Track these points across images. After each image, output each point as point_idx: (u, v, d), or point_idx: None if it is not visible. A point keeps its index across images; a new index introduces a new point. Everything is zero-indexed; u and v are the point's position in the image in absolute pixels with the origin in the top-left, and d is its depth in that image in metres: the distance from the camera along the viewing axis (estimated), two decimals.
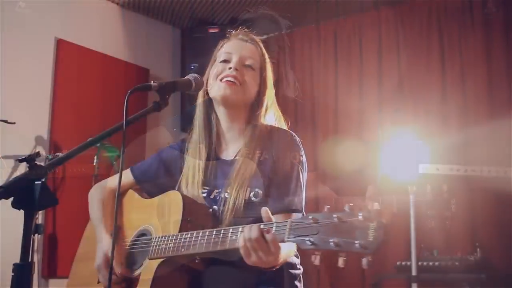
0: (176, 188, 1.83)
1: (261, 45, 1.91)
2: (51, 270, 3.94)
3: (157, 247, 1.66)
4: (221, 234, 1.49)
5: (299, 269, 1.82)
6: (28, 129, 3.90)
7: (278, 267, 1.50)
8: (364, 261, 1.14)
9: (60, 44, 4.21)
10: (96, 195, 1.98)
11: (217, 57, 1.88)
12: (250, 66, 1.83)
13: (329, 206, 1.19)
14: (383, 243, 1.11)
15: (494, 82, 4.07)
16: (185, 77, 1.75)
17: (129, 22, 4.77)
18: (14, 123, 3.64)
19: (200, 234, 1.54)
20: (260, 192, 1.70)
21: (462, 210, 3.96)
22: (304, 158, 1.78)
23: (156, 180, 1.89)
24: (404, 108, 4.30)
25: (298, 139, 1.82)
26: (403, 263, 3.73)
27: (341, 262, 1.24)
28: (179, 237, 1.60)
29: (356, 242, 1.12)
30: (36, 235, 3.54)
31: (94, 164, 3.96)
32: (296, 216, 1.62)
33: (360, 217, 1.13)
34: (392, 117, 4.11)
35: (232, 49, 1.85)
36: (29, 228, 1.27)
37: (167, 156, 1.95)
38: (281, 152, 1.75)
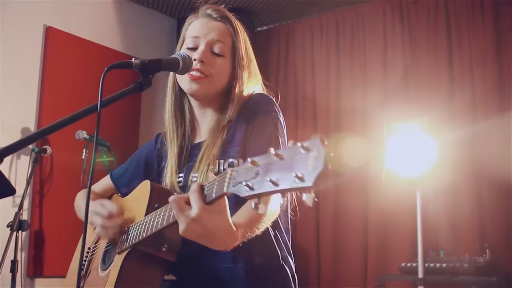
0: (162, 182, 1.71)
1: (233, 21, 1.70)
2: (37, 269, 3.76)
3: (124, 238, 1.55)
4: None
5: (291, 268, 1.65)
6: (14, 121, 3.72)
7: (235, 244, 1.28)
8: (307, 197, 0.94)
9: (49, 32, 4.01)
10: (81, 198, 1.91)
11: (185, 37, 1.70)
12: (219, 53, 1.64)
13: (273, 148, 1.00)
14: (325, 173, 0.90)
15: (504, 76, 3.89)
16: (172, 56, 1.60)
17: (123, 11, 4.59)
18: None
19: (158, 211, 1.41)
20: (236, 161, 1.55)
21: (470, 209, 3.80)
22: (278, 114, 1.62)
23: (133, 182, 1.77)
24: (410, 102, 4.13)
25: (270, 97, 1.67)
26: (408, 264, 3.58)
27: (262, 209, 1.04)
28: (141, 222, 1.47)
29: (293, 174, 0.93)
30: (20, 231, 3.39)
31: (83, 158, 3.78)
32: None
33: (300, 149, 0.93)
34: (398, 112, 3.94)
35: (200, 33, 1.65)
36: None
37: (142, 155, 1.85)
38: (253, 114, 1.60)
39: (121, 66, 1.45)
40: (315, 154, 0.92)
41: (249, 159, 1.04)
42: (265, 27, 5.16)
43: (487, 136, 3.76)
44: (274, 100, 1.65)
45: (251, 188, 1.02)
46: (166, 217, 1.34)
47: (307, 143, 0.94)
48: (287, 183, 0.95)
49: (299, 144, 0.95)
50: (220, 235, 1.24)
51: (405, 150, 3.36)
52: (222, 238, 1.25)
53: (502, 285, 3.23)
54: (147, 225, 1.43)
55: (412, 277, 3.37)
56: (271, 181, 0.97)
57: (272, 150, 0.99)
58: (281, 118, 1.62)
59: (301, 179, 0.92)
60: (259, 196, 1.02)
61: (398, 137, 3.41)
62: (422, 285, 3.17)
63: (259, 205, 1.04)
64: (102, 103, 1.39)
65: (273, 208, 1.41)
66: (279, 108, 1.64)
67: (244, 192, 1.03)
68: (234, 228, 1.26)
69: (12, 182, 3.64)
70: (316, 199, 0.94)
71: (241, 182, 1.04)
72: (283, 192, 0.98)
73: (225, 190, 1.11)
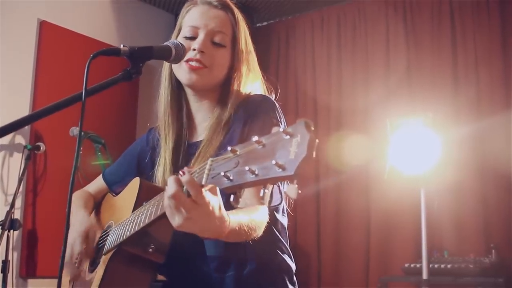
0: (153, 178, 1.62)
1: (234, 9, 1.62)
2: (30, 270, 3.67)
3: (111, 238, 1.47)
4: (157, 203, 1.25)
5: (291, 270, 1.56)
6: (7, 117, 3.60)
7: (226, 233, 1.16)
8: (290, 188, 0.85)
9: (44, 26, 3.92)
10: (75, 201, 1.79)
11: (182, 26, 1.60)
12: (220, 44, 1.56)
13: (257, 136, 0.92)
14: (308, 161, 0.82)
15: (509, 73, 3.81)
16: (164, 43, 1.50)
17: (119, 5, 4.50)
18: None
19: (142, 208, 1.33)
20: None
21: (475, 207, 3.71)
22: (280, 121, 1.52)
23: (126, 180, 1.67)
24: (413, 98, 4.04)
25: (273, 100, 1.58)
26: (412, 265, 3.49)
27: (242, 203, 0.97)
28: (127, 220, 1.40)
29: (273, 162, 0.84)
30: (11, 231, 3.30)
31: None
32: None
33: (282, 135, 0.86)
34: (401, 108, 3.85)
35: (199, 22, 1.56)
36: None
37: (135, 151, 1.76)
38: (252, 115, 1.51)
39: (108, 53, 1.37)
40: (298, 140, 0.84)
41: (229, 148, 0.95)
42: (264, 23, 5.06)
43: (492, 133, 3.68)
44: (277, 105, 1.56)
45: (230, 180, 0.93)
46: (149, 214, 1.26)
47: (290, 128, 0.86)
48: (267, 173, 0.86)
49: (281, 129, 0.86)
50: (212, 219, 1.11)
51: (408, 147, 3.26)
52: (213, 222, 1.12)
53: (509, 286, 3.15)
54: (131, 223, 1.35)
55: (416, 278, 3.28)
56: (250, 170, 0.89)
57: (254, 137, 0.90)
58: (283, 126, 1.52)
59: (282, 167, 0.84)
60: (239, 187, 0.94)
61: (401, 133, 3.31)
62: (427, 287, 3.07)
63: (240, 199, 0.96)
64: (87, 92, 1.30)
65: (262, 216, 1.33)
66: (281, 115, 1.55)
67: (223, 183, 0.95)
68: (227, 217, 1.15)
69: (4, 180, 3.56)
70: (300, 191, 0.86)
71: (220, 173, 0.95)
72: (264, 182, 0.89)
73: (203, 182, 1.01)
